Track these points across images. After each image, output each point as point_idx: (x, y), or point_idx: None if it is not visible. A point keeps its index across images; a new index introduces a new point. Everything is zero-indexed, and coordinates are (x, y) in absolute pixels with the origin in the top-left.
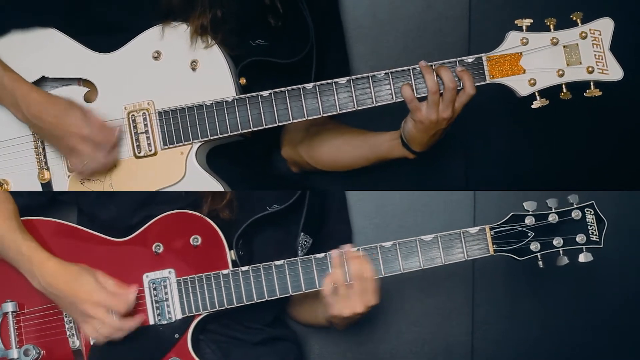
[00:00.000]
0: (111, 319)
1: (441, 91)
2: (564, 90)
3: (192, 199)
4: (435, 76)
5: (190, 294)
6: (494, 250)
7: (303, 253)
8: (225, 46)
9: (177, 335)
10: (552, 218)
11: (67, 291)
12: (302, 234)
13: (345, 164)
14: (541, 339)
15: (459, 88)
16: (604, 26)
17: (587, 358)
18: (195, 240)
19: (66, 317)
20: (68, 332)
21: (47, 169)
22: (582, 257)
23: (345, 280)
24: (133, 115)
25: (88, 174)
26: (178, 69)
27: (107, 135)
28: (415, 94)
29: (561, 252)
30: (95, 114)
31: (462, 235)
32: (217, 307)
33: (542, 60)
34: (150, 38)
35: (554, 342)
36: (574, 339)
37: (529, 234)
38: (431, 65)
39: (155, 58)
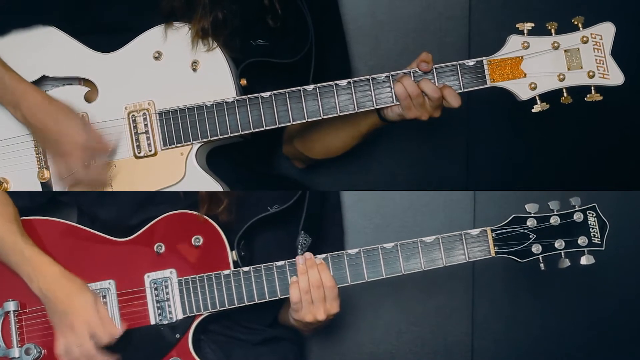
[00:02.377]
0: (89, 344)
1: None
2: (565, 94)
3: (192, 200)
4: (413, 80)
5: (192, 294)
6: (496, 252)
7: (302, 252)
8: (226, 48)
9: (178, 335)
10: (554, 220)
11: (64, 300)
12: (302, 232)
13: (335, 147)
14: (541, 339)
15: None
16: (605, 31)
17: (587, 358)
18: (197, 240)
19: None
20: None
21: (47, 168)
22: (584, 260)
23: (309, 288)
24: (133, 115)
25: (71, 183)
26: (179, 69)
27: (102, 146)
28: None
29: (563, 254)
30: (93, 126)
31: (463, 237)
32: (218, 307)
33: (543, 65)
34: (151, 38)
35: (554, 342)
36: (574, 339)
37: (530, 236)
38: (409, 73)
39: (156, 58)
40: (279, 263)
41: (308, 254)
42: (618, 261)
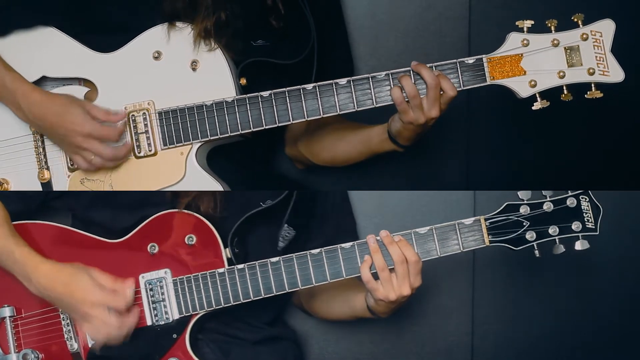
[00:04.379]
0: (111, 318)
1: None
2: (565, 91)
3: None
4: (413, 81)
5: (187, 294)
6: (490, 240)
7: (284, 244)
8: (228, 50)
9: (175, 336)
10: (547, 206)
11: (65, 293)
12: (285, 225)
13: (342, 159)
14: (541, 338)
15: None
16: (605, 28)
17: (587, 358)
18: (190, 239)
19: (64, 320)
20: (66, 335)
21: (47, 168)
22: (579, 245)
23: (386, 264)
24: (133, 115)
25: (95, 170)
26: (178, 69)
27: (109, 130)
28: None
29: (557, 240)
30: (97, 109)
31: (457, 226)
32: (214, 305)
33: (543, 62)
34: (150, 38)
35: (554, 342)
36: (574, 339)
37: (524, 224)
38: (409, 72)
39: (156, 58)
40: (274, 259)
41: (384, 232)
42: (618, 261)
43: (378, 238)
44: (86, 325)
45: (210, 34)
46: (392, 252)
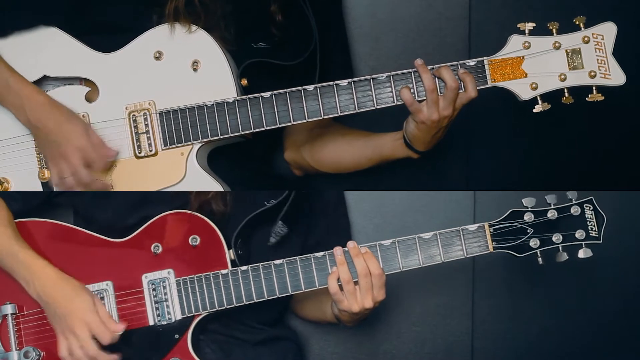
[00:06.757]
0: (91, 345)
1: (441, 93)
2: (566, 94)
3: (186, 198)
4: (431, 74)
5: (190, 294)
6: (494, 247)
7: (275, 240)
8: (222, 41)
9: (177, 336)
10: (551, 214)
11: (63, 304)
12: (280, 222)
13: (348, 165)
14: (541, 339)
15: (460, 91)
16: (607, 31)
17: (587, 358)
18: (194, 240)
19: None
20: None
21: (48, 167)
22: (582, 253)
23: (351, 277)
24: (134, 115)
25: (67, 186)
26: (179, 69)
27: (101, 155)
28: (417, 97)
29: (560, 248)
30: (95, 133)
31: (461, 232)
32: (217, 307)
33: (544, 65)
34: (152, 38)
35: (554, 342)
36: (574, 339)
37: (528, 231)
38: (431, 68)
39: (157, 58)
40: (277, 262)
41: (351, 243)
42: (618, 261)
43: (345, 249)
44: (64, 341)
45: (179, 14)
46: (357, 264)
